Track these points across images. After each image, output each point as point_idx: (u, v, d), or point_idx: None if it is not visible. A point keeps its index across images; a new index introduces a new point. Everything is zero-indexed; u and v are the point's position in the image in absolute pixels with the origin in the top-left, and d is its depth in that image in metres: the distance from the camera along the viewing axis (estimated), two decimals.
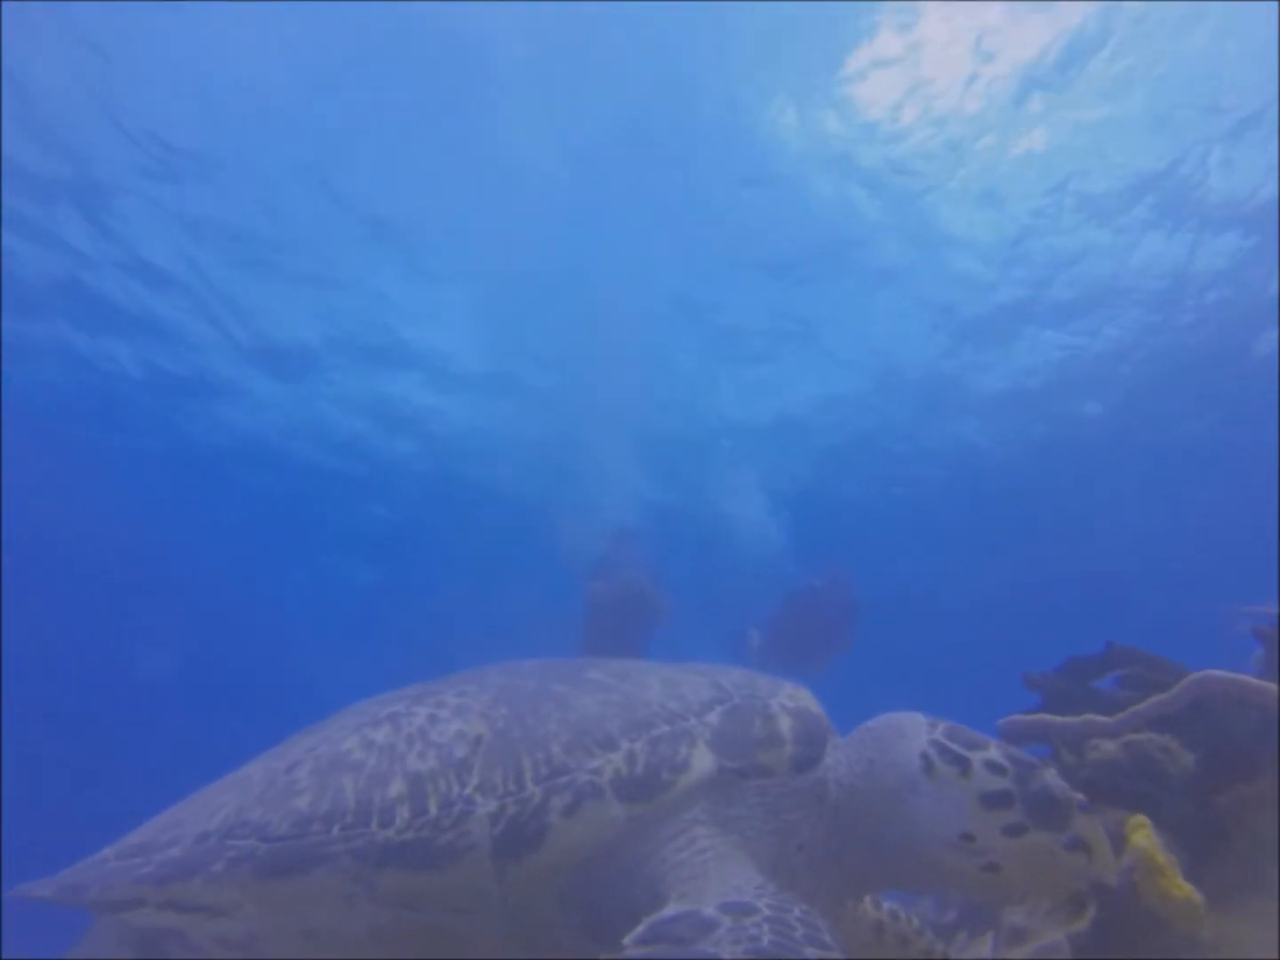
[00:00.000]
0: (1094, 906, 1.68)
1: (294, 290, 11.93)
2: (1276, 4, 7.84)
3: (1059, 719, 2.28)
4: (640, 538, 9.85)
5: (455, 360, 13.38)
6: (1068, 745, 2.20)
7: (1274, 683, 2.08)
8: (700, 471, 15.27)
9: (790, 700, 1.80)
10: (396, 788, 1.56)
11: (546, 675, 1.83)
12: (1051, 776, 1.61)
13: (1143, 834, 1.65)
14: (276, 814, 1.60)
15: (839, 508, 16.42)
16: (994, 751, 1.63)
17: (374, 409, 14.63)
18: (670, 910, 1.29)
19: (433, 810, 1.51)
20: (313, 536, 18.86)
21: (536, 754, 1.57)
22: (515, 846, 1.47)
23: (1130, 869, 1.63)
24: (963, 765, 1.60)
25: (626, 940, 1.19)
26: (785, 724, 1.72)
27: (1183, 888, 1.61)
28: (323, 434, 15.27)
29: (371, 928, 1.51)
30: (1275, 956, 1.52)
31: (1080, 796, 1.59)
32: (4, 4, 7.73)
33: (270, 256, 11.32)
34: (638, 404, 13.70)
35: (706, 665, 1.99)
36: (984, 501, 16.63)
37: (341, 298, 12.09)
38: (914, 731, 1.70)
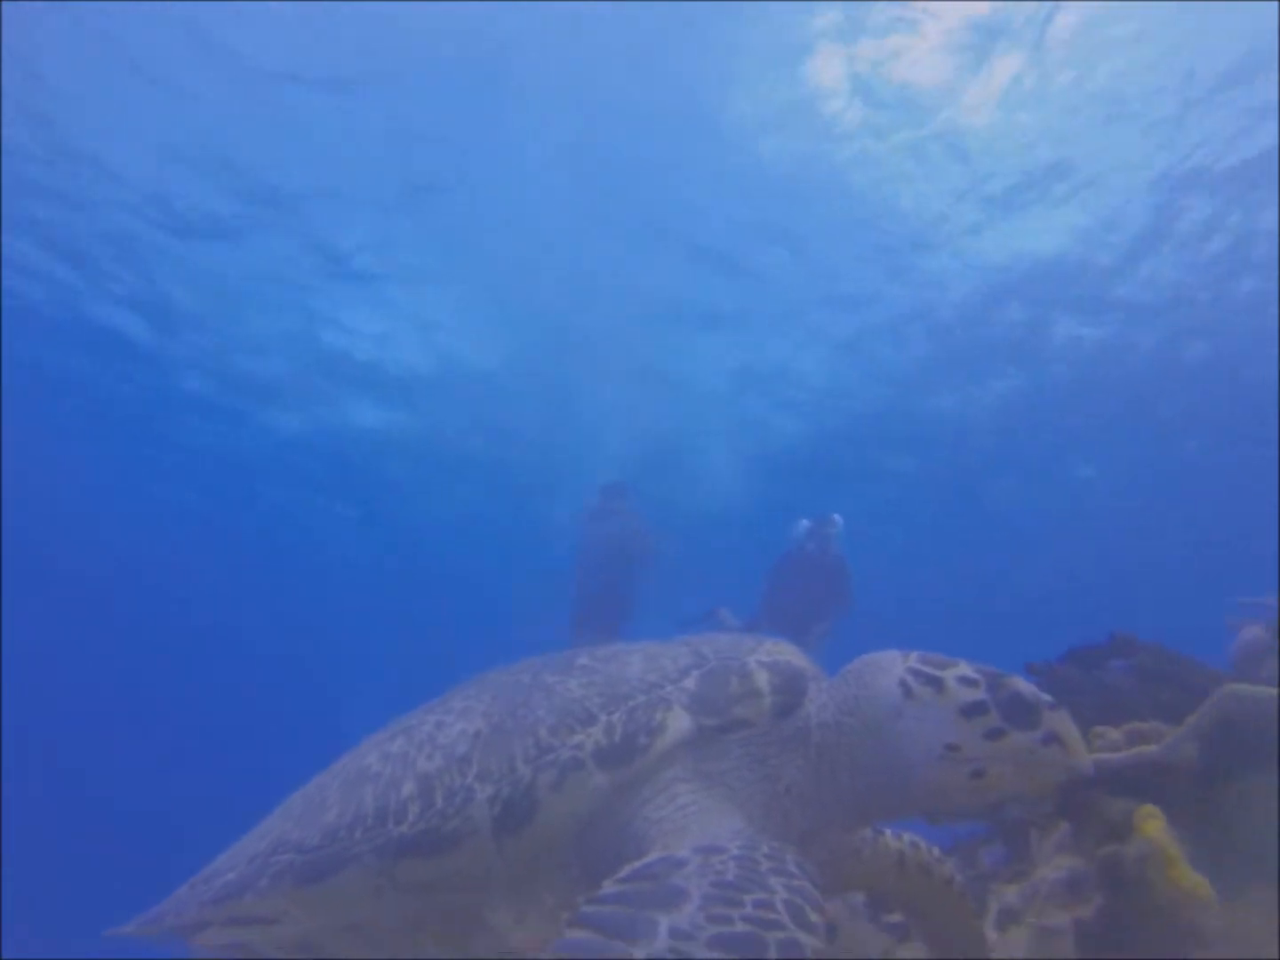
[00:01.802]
0: (1100, 894, 1.69)
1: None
2: (1277, 4, 7.87)
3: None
4: (631, 489, 9.73)
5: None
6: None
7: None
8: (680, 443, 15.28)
9: (767, 655, 1.93)
10: (408, 788, 1.76)
11: (541, 669, 1.99)
12: (1020, 682, 1.73)
13: (1155, 825, 1.64)
14: (311, 829, 1.82)
15: (831, 476, 16.43)
16: (964, 668, 1.75)
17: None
18: (652, 856, 1.40)
19: (439, 802, 1.69)
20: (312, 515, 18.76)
21: (526, 739, 1.74)
22: (511, 823, 1.63)
23: (1141, 859, 1.62)
24: (938, 684, 1.71)
25: (607, 881, 1.29)
26: (762, 677, 1.85)
27: (1192, 878, 1.61)
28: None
29: (402, 914, 1.70)
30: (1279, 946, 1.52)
31: (1048, 697, 1.70)
32: (4, 4, 7.85)
33: None
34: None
35: (697, 636, 2.08)
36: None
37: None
38: (890, 664, 1.81)
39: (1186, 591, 15.07)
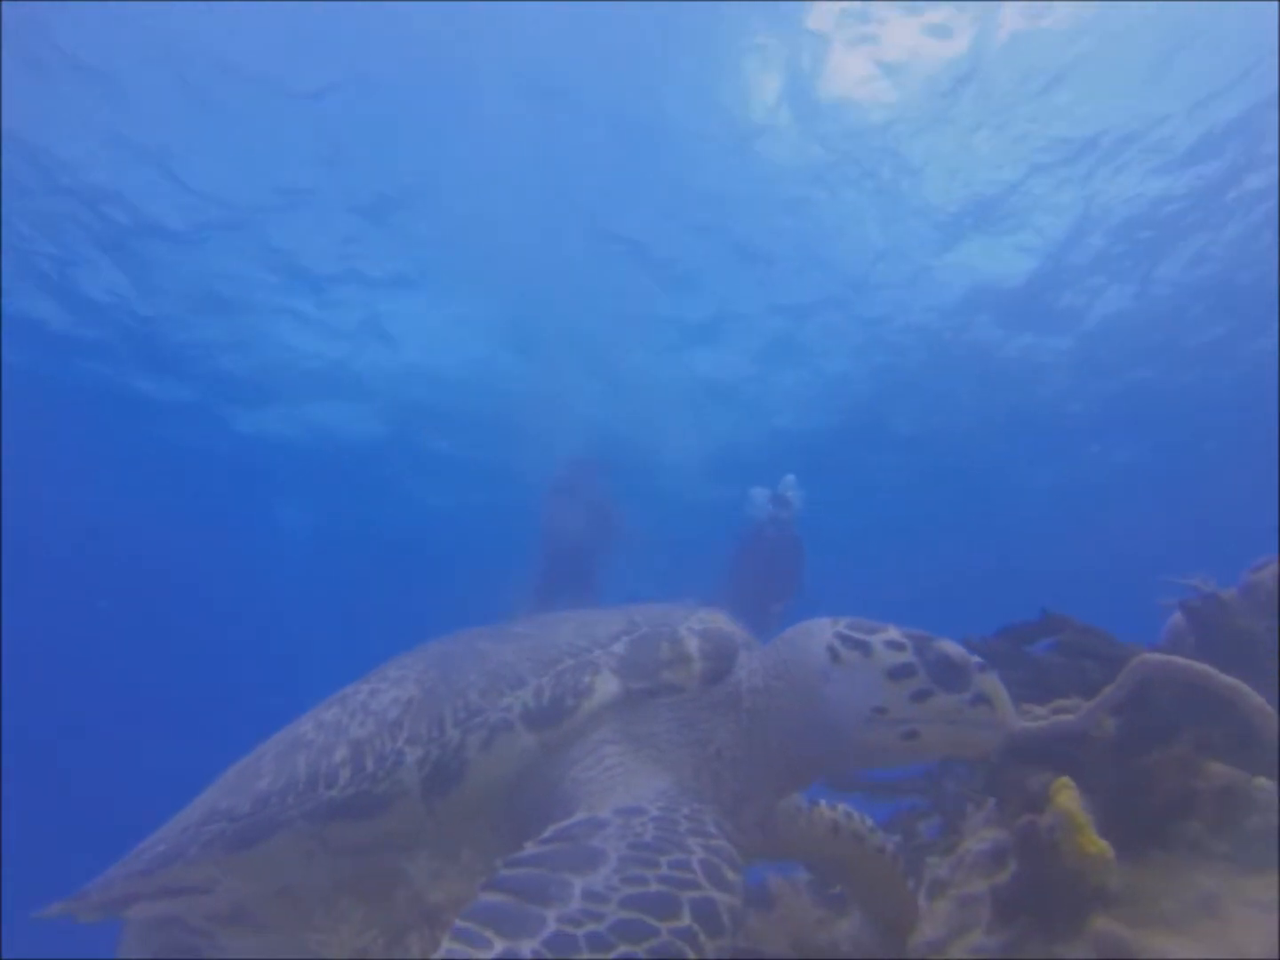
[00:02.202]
0: (1015, 861, 1.78)
1: None
2: (1276, 4, 7.95)
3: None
4: (599, 465, 9.60)
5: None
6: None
7: (1198, 660, 2.20)
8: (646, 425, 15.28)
9: (699, 623, 1.98)
10: (340, 754, 1.79)
11: (476, 637, 2.02)
12: (949, 644, 1.76)
13: (1066, 795, 1.72)
14: (242, 798, 1.84)
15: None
16: (892, 632, 1.78)
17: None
18: (575, 817, 1.43)
19: (369, 766, 1.73)
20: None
21: (456, 702, 1.78)
22: (440, 784, 1.68)
23: (1052, 827, 1.70)
24: (865, 648, 1.75)
25: (528, 842, 1.31)
26: (693, 644, 1.89)
27: (1097, 843, 1.70)
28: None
29: (333, 876, 1.73)
30: (1177, 906, 1.62)
31: (978, 658, 1.75)
32: (3, 4, 7.79)
33: None
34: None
35: (633, 605, 2.13)
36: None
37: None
38: (819, 629, 1.85)
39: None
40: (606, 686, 1.78)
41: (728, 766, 1.81)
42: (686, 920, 1.11)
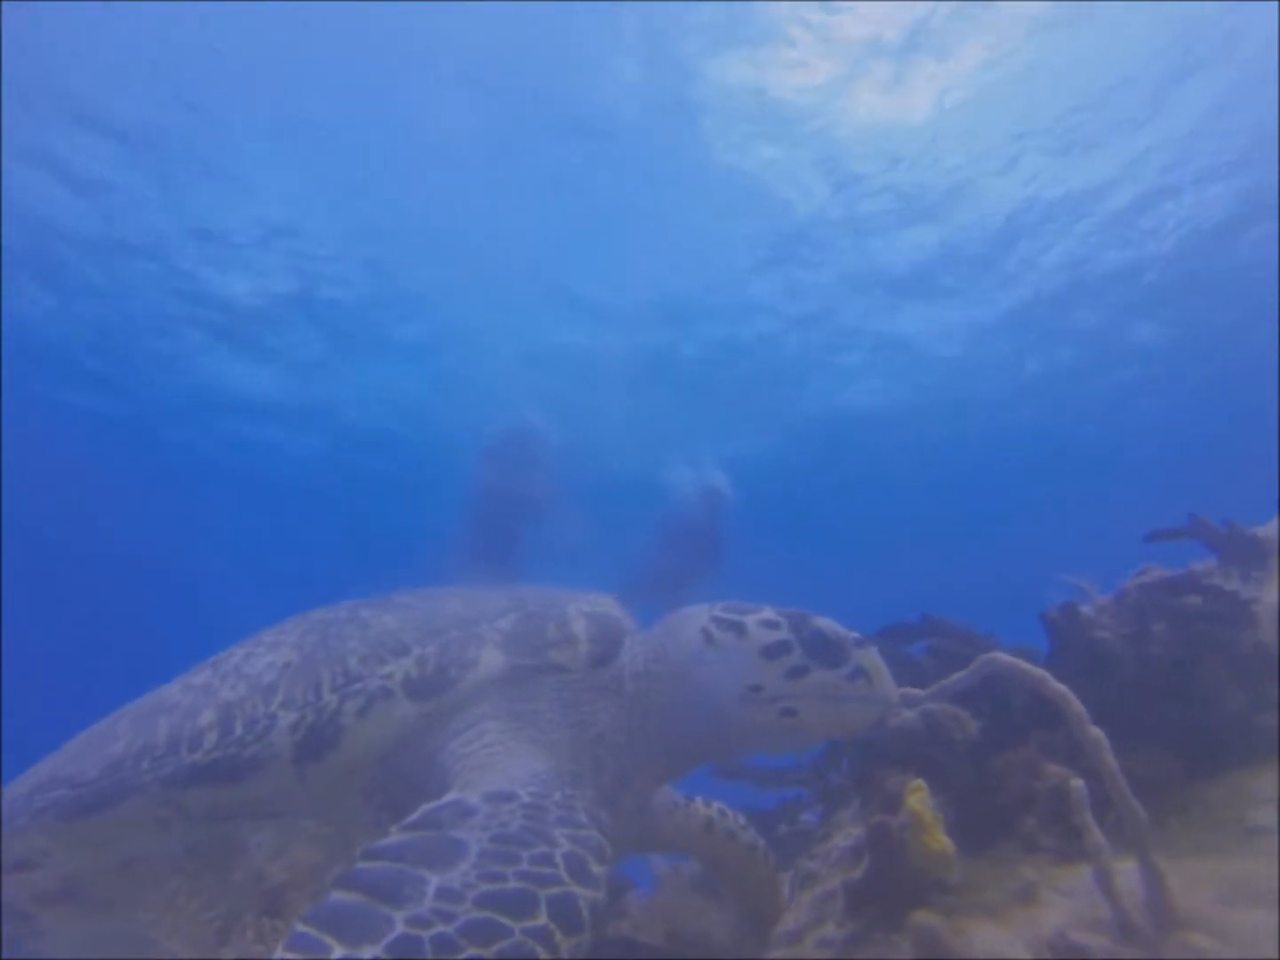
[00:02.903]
0: (867, 857, 1.94)
1: None
2: (1276, 4, 8.12)
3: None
4: (535, 437, 9.26)
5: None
6: None
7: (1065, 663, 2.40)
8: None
9: (588, 605, 2.00)
10: (207, 717, 1.74)
11: (359, 605, 2.00)
12: (824, 621, 1.80)
13: (917, 796, 1.88)
14: (88, 763, 1.74)
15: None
16: (767, 612, 1.82)
17: None
18: (445, 798, 1.40)
19: (238, 730, 1.69)
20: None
21: (335, 668, 1.75)
22: (314, 749, 1.65)
23: (903, 826, 1.86)
24: (739, 628, 1.80)
25: (393, 827, 1.29)
26: (580, 625, 1.91)
27: (940, 840, 1.86)
28: None
29: (187, 845, 1.67)
30: (999, 895, 1.81)
31: (855, 633, 1.79)
32: (3, 4, 7.77)
33: None
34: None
35: (523, 585, 2.15)
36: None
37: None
38: (696, 614, 1.90)
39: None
40: (491, 660, 1.78)
41: (609, 751, 1.83)
42: (543, 919, 1.08)
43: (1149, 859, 1.50)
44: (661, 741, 1.86)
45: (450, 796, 1.41)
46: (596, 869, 1.22)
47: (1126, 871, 1.58)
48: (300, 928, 1.04)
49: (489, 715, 1.74)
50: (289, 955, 1.00)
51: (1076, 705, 1.66)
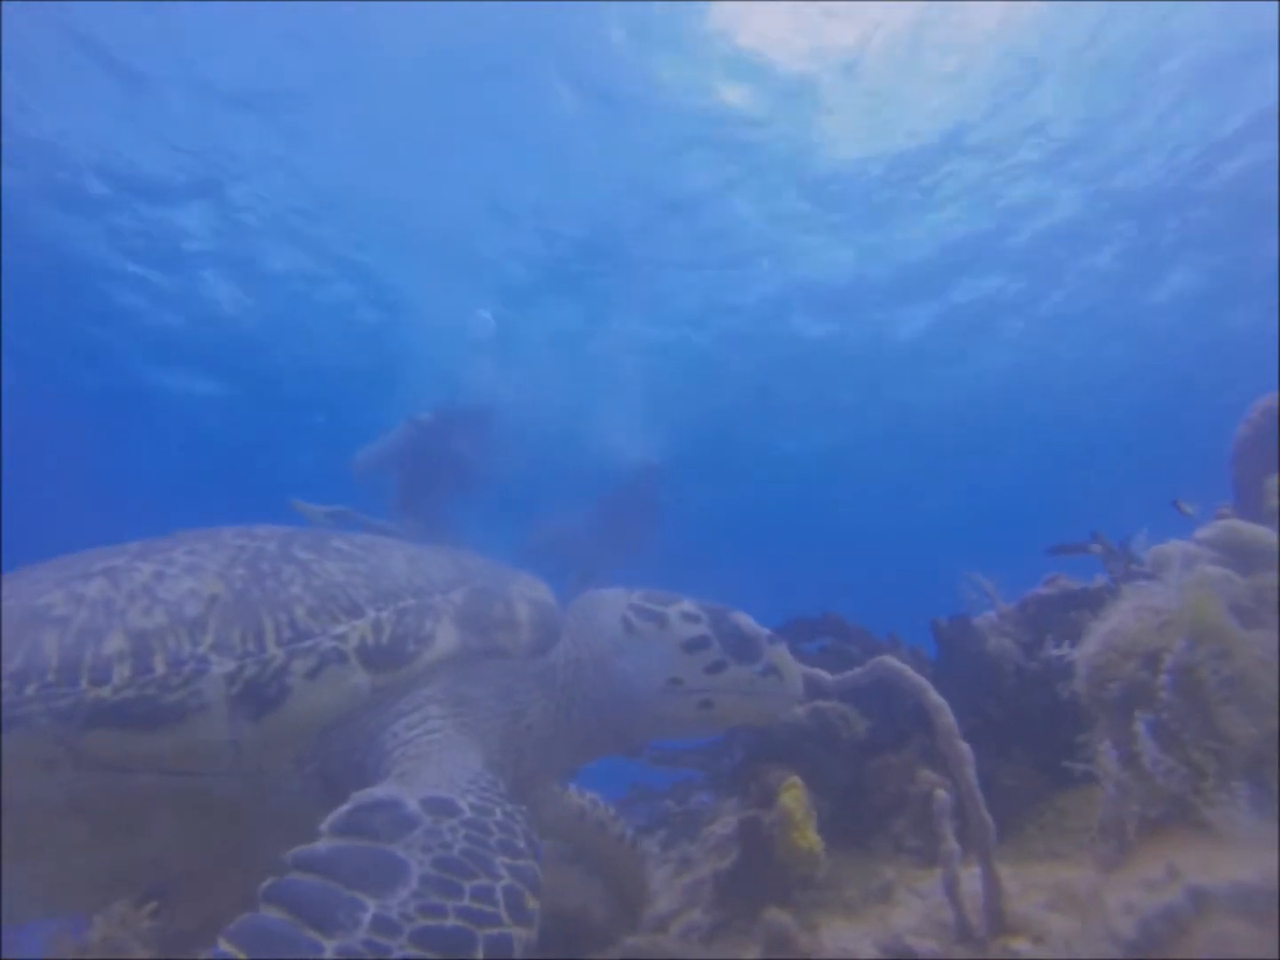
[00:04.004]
0: (737, 849, 2.02)
1: None
2: (1276, 4, 8.12)
3: (804, 667, 2.62)
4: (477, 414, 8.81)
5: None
6: None
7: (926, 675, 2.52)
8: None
9: (528, 589, 1.95)
10: (114, 644, 1.48)
11: (289, 540, 1.80)
12: (740, 617, 1.85)
13: (791, 794, 1.96)
14: None
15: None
16: (687, 604, 1.85)
17: None
18: (379, 790, 1.32)
19: (159, 669, 1.47)
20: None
21: (279, 615, 1.57)
22: (253, 707, 1.47)
23: (773, 823, 1.94)
24: (659, 619, 1.82)
25: (324, 825, 1.21)
26: (523, 610, 1.86)
27: (809, 838, 1.95)
28: None
29: (71, 797, 1.43)
30: (859, 893, 1.90)
31: (768, 630, 1.86)
32: (3, 4, 7.62)
33: None
34: None
35: (450, 548, 2.09)
36: None
37: None
38: (614, 600, 1.90)
39: None
40: (448, 637, 1.68)
41: (532, 744, 1.81)
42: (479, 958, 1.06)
43: (989, 867, 1.60)
44: (582, 731, 1.86)
45: (387, 791, 1.33)
46: (531, 905, 1.19)
47: (973, 877, 1.69)
48: (222, 945, 0.99)
49: (434, 698, 1.65)
50: None
51: (947, 718, 1.75)
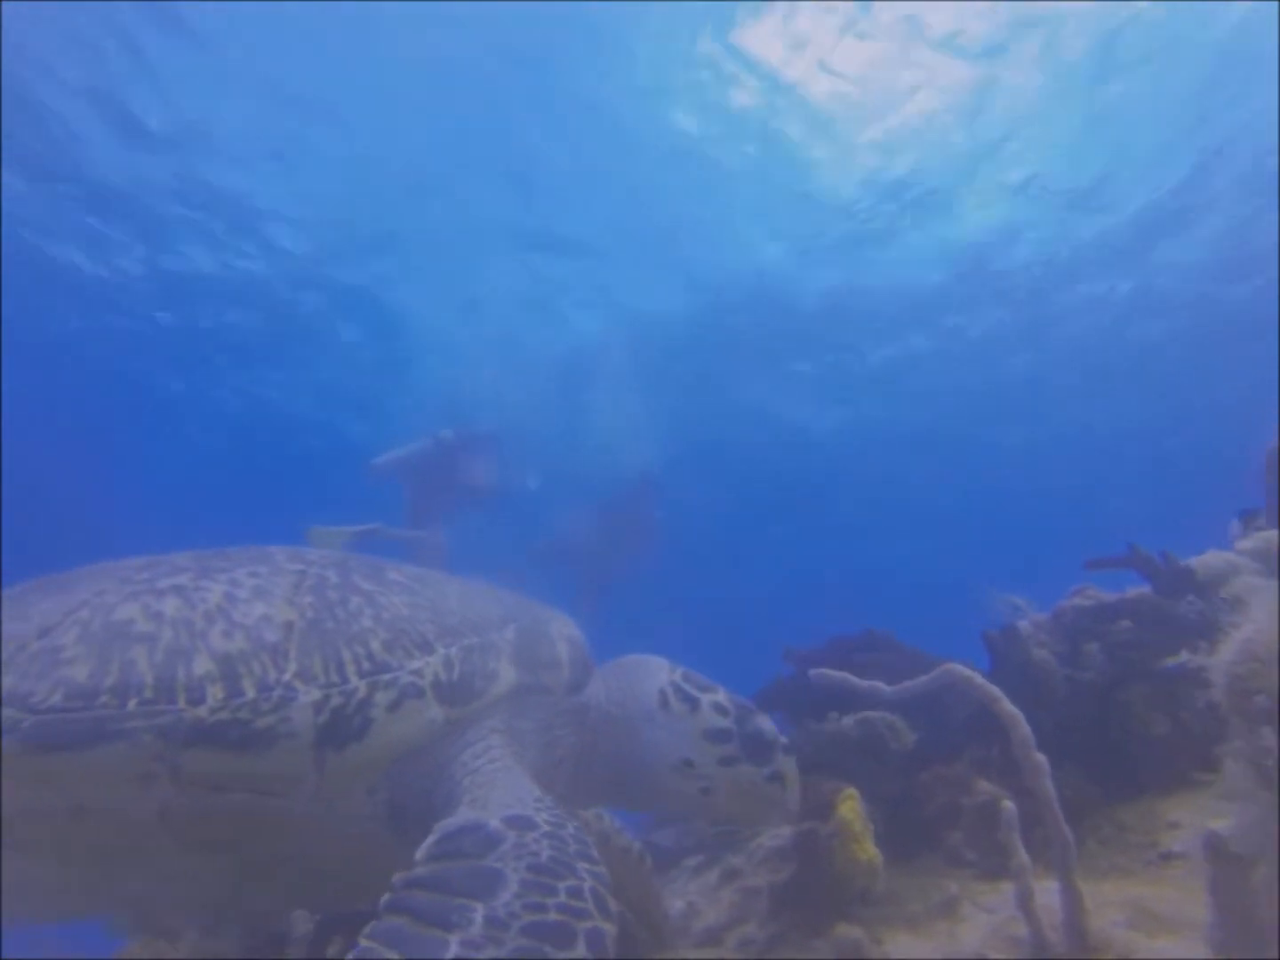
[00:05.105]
0: (794, 862, 1.98)
1: None
2: (1276, 4, 8.16)
3: (856, 680, 2.59)
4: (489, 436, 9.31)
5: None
6: (815, 716, 2.51)
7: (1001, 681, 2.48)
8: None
9: (565, 628, 2.09)
10: (203, 665, 1.55)
11: (346, 568, 1.89)
12: (764, 720, 1.95)
13: (849, 805, 1.93)
14: (41, 683, 1.51)
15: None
16: (720, 695, 1.96)
17: None
18: (459, 818, 1.44)
19: (249, 692, 1.54)
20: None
21: (356, 648, 1.66)
22: (339, 737, 1.56)
23: (832, 834, 1.90)
24: (693, 703, 1.93)
25: (419, 854, 1.31)
26: (563, 649, 1.99)
27: (869, 851, 1.91)
28: None
29: (163, 808, 1.51)
30: (922, 908, 1.86)
31: (784, 739, 1.95)
32: (3, 4, 7.75)
33: None
34: None
35: (479, 581, 2.19)
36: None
37: None
38: (657, 671, 2.02)
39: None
40: (509, 675, 1.80)
41: (563, 776, 1.92)
42: (580, 950, 1.18)
43: (1071, 883, 1.56)
44: (600, 781, 1.98)
45: (467, 817, 1.44)
46: (613, 905, 1.31)
47: (1045, 890, 1.65)
48: (364, 943, 1.13)
49: (496, 729, 1.77)
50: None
51: (1024, 729, 1.71)
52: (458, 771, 1.66)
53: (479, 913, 1.19)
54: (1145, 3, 8.42)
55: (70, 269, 12.40)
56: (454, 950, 1.12)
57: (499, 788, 1.60)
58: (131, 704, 1.48)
